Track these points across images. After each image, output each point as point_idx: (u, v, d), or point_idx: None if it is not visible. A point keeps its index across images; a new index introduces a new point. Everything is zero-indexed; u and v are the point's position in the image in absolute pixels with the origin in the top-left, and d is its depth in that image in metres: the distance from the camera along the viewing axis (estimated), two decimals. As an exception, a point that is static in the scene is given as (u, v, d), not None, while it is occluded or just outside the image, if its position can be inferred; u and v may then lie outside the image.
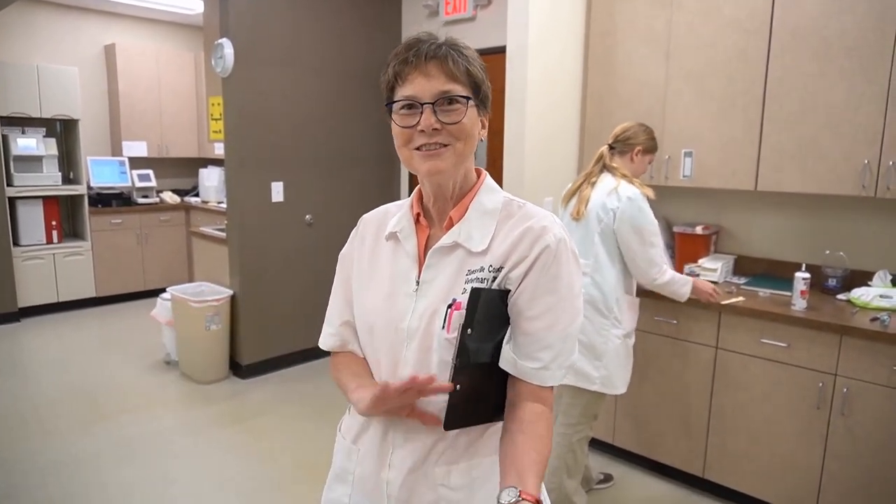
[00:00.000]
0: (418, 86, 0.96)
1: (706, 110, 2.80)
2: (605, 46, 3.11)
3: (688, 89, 2.84)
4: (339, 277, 1.18)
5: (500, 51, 3.21)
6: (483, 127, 1.05)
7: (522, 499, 0.83)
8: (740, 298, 2.59)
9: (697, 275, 2.86)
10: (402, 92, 0.98)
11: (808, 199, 2.83)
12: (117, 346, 4.62)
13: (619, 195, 2.27)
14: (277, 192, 4.00)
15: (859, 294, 2.51)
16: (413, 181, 4.54)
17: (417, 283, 1.03)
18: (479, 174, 1.09)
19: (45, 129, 5.35)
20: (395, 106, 0.99)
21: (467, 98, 0.97)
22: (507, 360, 1.00)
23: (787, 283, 2.63)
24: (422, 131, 0.96)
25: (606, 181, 2.34)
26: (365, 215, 1.19)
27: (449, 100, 0.96)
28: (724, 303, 2.53)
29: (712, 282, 2.82)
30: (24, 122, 5.27)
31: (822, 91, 2.48)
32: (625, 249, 2.30)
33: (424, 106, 0.96)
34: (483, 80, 1.01)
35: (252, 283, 3.98)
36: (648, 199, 2.30)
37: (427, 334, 0.99)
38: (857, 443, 2.26)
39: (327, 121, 4.21)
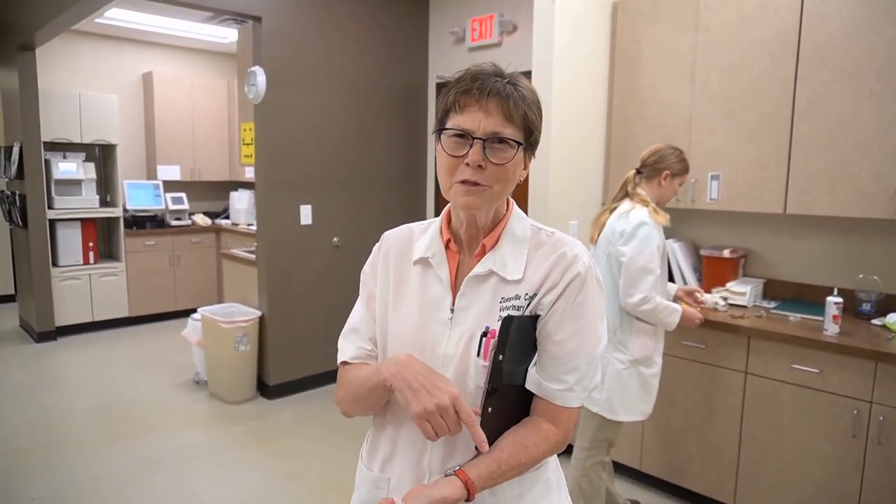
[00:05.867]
0: (476, 120, 0.95)
1: (733, 133, 2.79)
2: (630, 69, 3.13)
3: (714, 112, 2.84)
4: (364, 294, 1.17)
5: (526, 76, 3.24)
6: (525, 168, 1.04)
7: (454, 473, 0.94)
8: (719, 301, 2.77)
9: (726, 298, 2.83)
10: (457, 121, 0.97)
11: (840, 221, 2.78)
12: (148, 365, 4.72)
13: (629, 219, 2.28)
14: (306, 215, 4.08)
15: (895, 319, 2.45)
16: (439, 204, 4.58)
17: (452, 310, 1.04)
18: (507, 203, 1.09)
19: (84, 154, 5.56)
20: (447, 132, 0.98)
21: (519, 143, 0.97)
22: (533, 381, 1.02)
23: (819, 307, 2.58)
24: (467, 164, 0.96)
25: (624, 206, 2.35)
26: (387, 232, 1.18)
27: (500, 139, 0.96)
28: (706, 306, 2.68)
29: (740, 306, 2.79)
30: (65, 147, 5.49)
31: (851, 113, 2.45)
32: (621, 268, 2.29)
33: (476, 140, 0.95)
34: (537, 126, 1.01)
35: (280, 305, 4.04)
36: (663, 227, 2.30)
37: (464, 360, 1.00)
38: (896, 473, 2.19)
39: (355, 145, 4.29)
